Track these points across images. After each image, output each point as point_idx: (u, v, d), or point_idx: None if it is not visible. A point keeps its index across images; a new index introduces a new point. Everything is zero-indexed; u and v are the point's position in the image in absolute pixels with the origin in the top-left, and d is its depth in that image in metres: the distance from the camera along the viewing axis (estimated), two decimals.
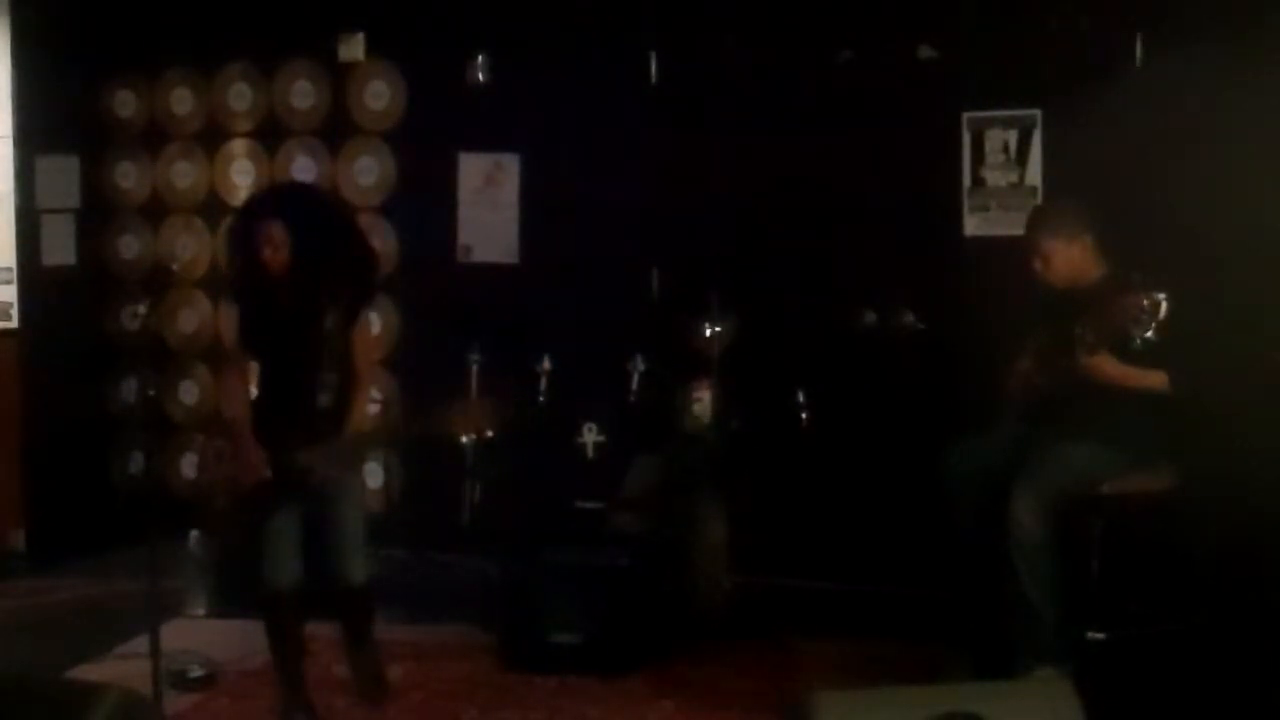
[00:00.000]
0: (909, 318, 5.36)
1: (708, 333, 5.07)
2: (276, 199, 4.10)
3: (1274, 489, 4.31)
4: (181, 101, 6.44)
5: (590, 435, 5.11)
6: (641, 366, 5.22)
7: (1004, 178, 5.29)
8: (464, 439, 4.11)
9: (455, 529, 5.47)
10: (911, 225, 5.31)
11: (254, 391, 4.15)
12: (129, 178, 6.53)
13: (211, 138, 6.41)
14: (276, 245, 3.90)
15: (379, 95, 6.15)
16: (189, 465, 6.46)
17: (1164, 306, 3.64)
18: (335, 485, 4.03)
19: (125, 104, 6.50)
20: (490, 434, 4.13)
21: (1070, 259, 4.19)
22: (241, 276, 4.06)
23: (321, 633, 4.27)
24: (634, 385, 5.20)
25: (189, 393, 6.48)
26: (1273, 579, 4.32)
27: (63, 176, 6.47)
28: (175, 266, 6.38)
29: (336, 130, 6.21)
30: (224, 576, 5.37)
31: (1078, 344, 3.94)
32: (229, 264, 4.22)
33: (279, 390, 4.04)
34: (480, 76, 5.94)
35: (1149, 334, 3.67)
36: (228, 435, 4.05)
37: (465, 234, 6.03)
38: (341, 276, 4.02)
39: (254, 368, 4.17)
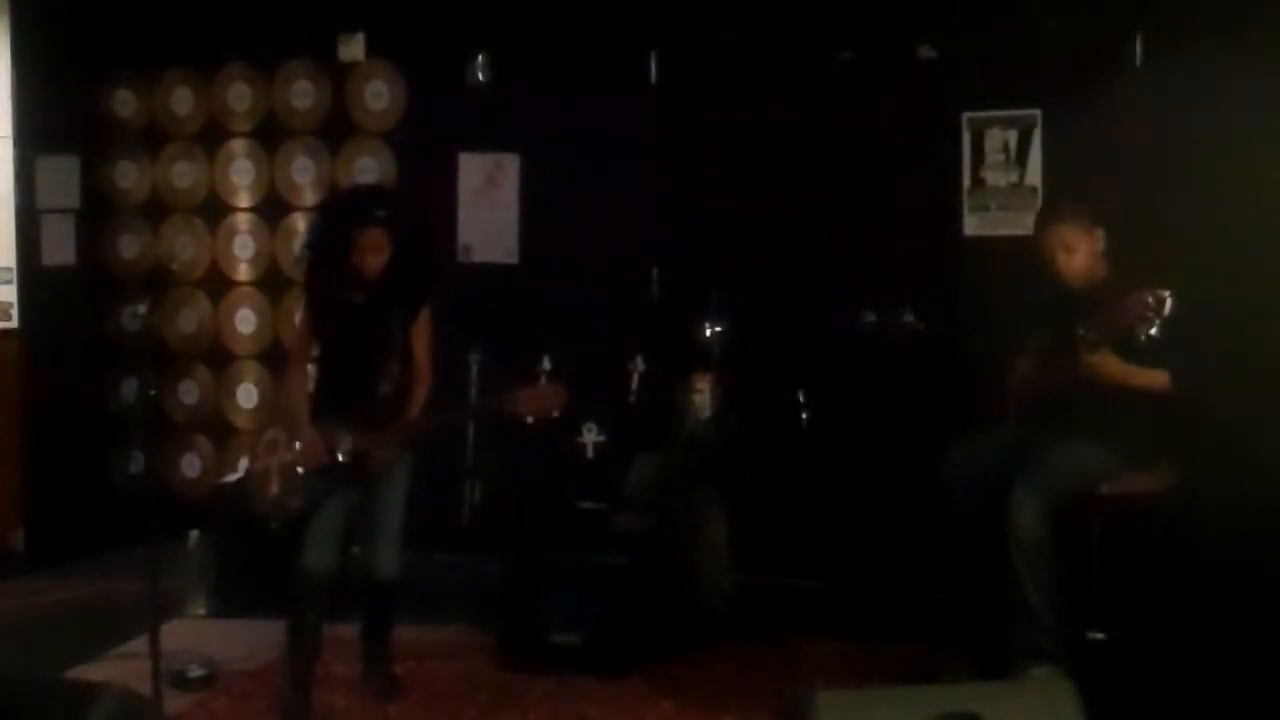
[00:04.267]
0: (909, 318, 5.36)
1: (708, 332, 5.07)
2: (378, 206, 4.11)
3: (1274, 489, 4.31)
4: (181, 101, 6.44)
5: (590, 435, 5.11)
6: (641, 366, 5.21)
7: (1004, 178, 5.29)
8: (530, 419, 4.10)
9: (455, 529, 5.47)
10: (911, 225, 5.31)
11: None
12: (129, 178, 6.54)
13: (211, 138, 6.42)
14: (379, 251, 4.01)
15: (379, 95, 6.16)
16: (189, 465, 6.48)
17: (1169, 304, 3.63)
18: (387, 477, 4.15)
19: (125, 104, 6.51)
20: (557, 414, 4.13)
21: (1091, 252, 4.17)
22: (323, 275, 4.12)
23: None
24: (634, 385, 5.20)
25: (189, 393, 6.49)
26: (1272, 579, 4.32)
27: (63, 176, 6.47)
28: (175, 266, 6.38)
29: (336, 130, 6.21)
30: (224, 576, 5.37)
31: (1080, 343, 3.93)
32: (307, 260, 4.23)
33: (344, 380, 4.13)
34: (480, 76, 5.94)
35: (1153, 332, 3.67)
36: (282, 425, 4.15)
37: (465, 234, 6.04)
38: (418, 278, 4.15)
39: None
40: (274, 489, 4.11)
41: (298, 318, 4.38)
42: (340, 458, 4.04)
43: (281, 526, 4.12)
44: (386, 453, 4.09)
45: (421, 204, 5.97)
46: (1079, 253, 4.15)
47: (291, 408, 4.15)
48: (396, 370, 4.14)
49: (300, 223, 6.19)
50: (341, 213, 4.20)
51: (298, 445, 4.07)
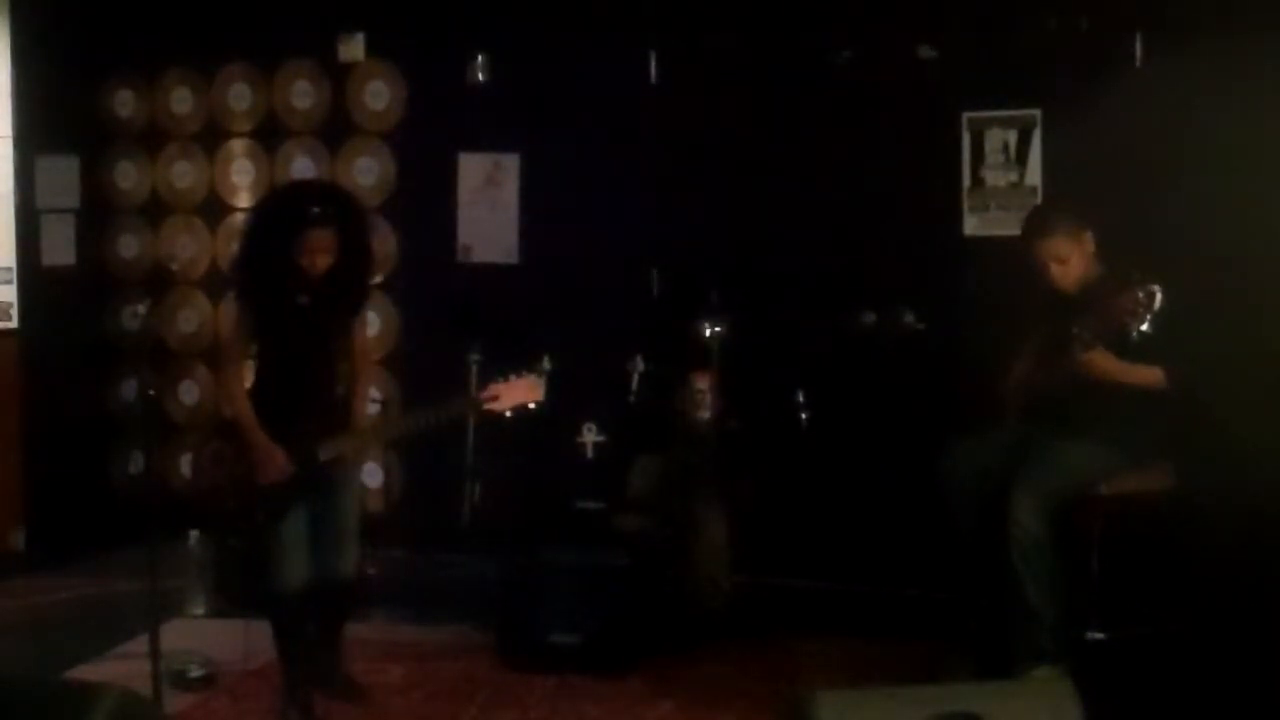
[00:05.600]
0: (909, 318, 5.37)
1: (708, 332, 5.07)
2: (324, 203, 3.98)
3: (1273, 489, 4.32)
4: (181, 101, 6.44)
5: (590, 435, 5.11)
6: (641, 366, 5.21)
7: (1003, 178, 5.30)
8: (508, 413, 4.08)
9: (455, 529, 5.48)
10: (911, 225, 5.31)
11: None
12: (129, 178, 6.54)
13: (211, 138, 6.41)
14: (327, 251, 3.91)
15: (379, 95, 6.15)
16: (189, 465, 6.47)
17: (1159, 298, 3.64)
18: (344, 477, 4.08)
19: (125, 104, 6.51)
20: (533, 408, 4.12)
21: (1083, 258, 4.17)
22: (266, 277, 3.98)
23: None
24: (634, 385, 5.20)
25: (189, 393, 6.49)
26: (1272, 579, 4.32)
27: (63, 176, 6.47)
28: (175, 266, 6.38)
29: (336, 130, 6.21)
30: (224, 576, 5.37)
31: (1075, 342, 3.94)
32: (246, 257, 4.07)
33: (294, 384, 4.01)
34: (480, 76, 5.94)
35: (1145, 327, 3.67)
36: (226, 436, 4.05)
37: (465, 234, 6.04)
38: (361, 275, 4.09)
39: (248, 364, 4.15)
40: (230, 504, 4.04)
41: (231, 322, 4.16)
42: (301, 467, 3.94)
43: (243, 541, 4.06)
44: (361, 457, 4.04)
45: (421, 204, 6.03)
46: (1072, 262, 4.16)
47: (243, 421, 3.96)
48: (346, 370, 4.07)
49: None
50: (286, 212, 4.02)
51: (259, 461, 3.93)
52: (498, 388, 4.10)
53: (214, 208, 6.43)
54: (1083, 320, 3.94)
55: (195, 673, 4.38)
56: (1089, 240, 4.18)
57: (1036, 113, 5.24)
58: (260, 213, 4.32)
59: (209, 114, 6.41)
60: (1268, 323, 4.58)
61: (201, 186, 6.45)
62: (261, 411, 3.97)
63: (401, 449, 5.91)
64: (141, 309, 5.75)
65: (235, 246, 4.73)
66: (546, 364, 5.09)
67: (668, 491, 4.98)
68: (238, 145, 6.39)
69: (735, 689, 4.33)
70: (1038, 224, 4.29)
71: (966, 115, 5.33)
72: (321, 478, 4.00)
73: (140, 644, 4.18)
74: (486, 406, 4.10)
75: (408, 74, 6.10)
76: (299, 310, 3.98)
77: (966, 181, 5.34)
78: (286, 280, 3.93)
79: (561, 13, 5.80)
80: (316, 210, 3.92)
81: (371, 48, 6.16)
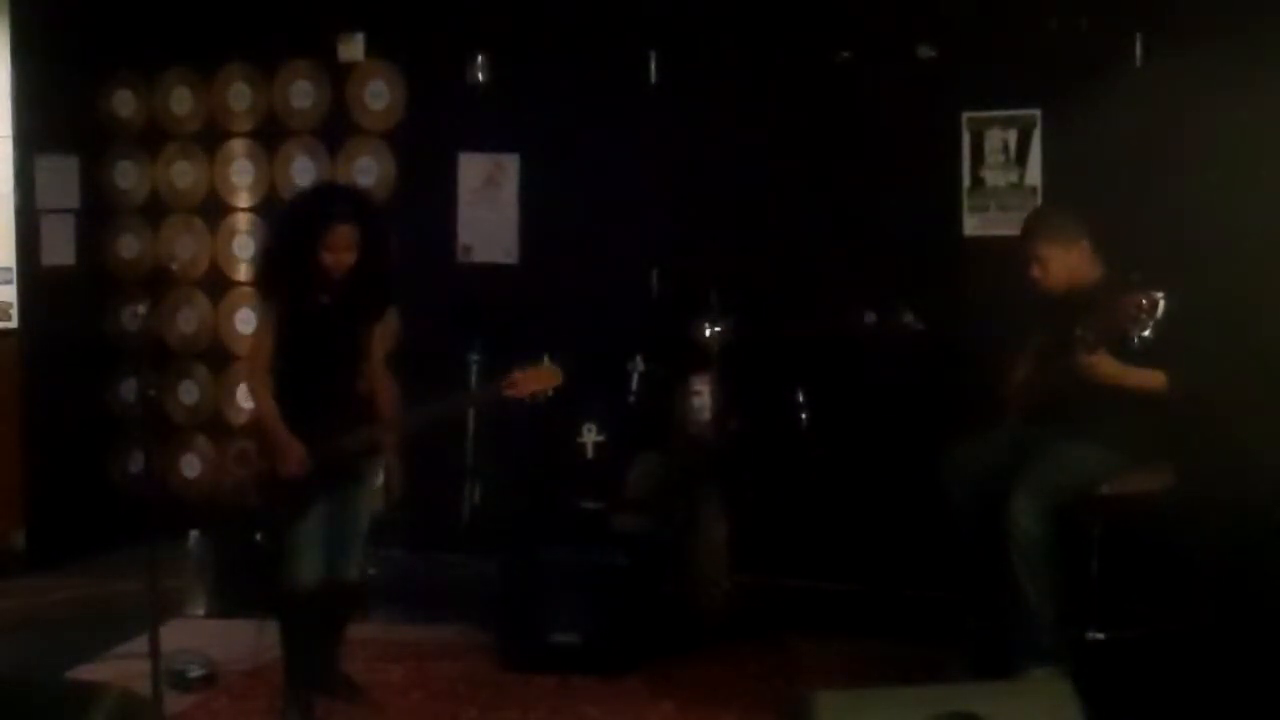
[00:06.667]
0: (909, 318, 5.36)
1: (707, 332, 5.07)
2: (345, 203, 4.05)
3: (1274, 489, 4.32)
4: (181, 101, 6.44)
5: (590, 435, 5.10)
6: (641, 366, 5.21)
7: (1003, 178, 5.29)
8: (527, 399, 4.11)
9: (455, 529, 5.47)
10: (911, 225, 5.31)
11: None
12: (129, 178, 6.54)
13: (211, 138, 6.41)
14: (349, 250, 3.95)
15: (379, 95, 6.15)
16: (189, 465, 6.47)
17: (1162, 305, 3.65)
18: (363, 475, 4.13)
19: (125, 104, 6.51)
20: (551, 394, 4.15)
21: (1067, 264, 4.20)
22: (290, 277, 4.02)
23: None
24: (634, 385, 5.20)
25: (189, 393, 6.48)
26: (1272, 579, 4.32)
27: (63, 176, 6.46)
28: (175, 266, 6.37)
29: (336, 130, 6.21)
30: (227, 576, 5.37)
31: (1077, 344, 3.95)
32: (269, 258, 4.14)
33: (316, 383, 4.04)
34: (480, 76, 5.94)
35: (1147, 333, 3.68)
36: (250, 436, 4.07)
37: (465, 234, 6.04)
38: (383, 276, 4.11)
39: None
40: (254, 502, 4.06)
41: (254, 323, 4.22)
42: (322, 461, 3.97)
43: (266, 538, 4.07)
44: (385, 449, 4.08)
45: (421, 204, 6.02)
46: (1053, 266, 4.21)
47: (265, 417, 4.02)
48: (365, 368, 4.12)
49: None
50: (308, 211, 4.09)
51: (280, 455, 3.97)
52: (516, 375, 4.12)
53: (214, 208, 6.43)
54: (1085, 322, 3.95)
55: (195, 673, 4.39)
56: (1083, 248, 4.20)
57: (1036, 113, 5.23)
58: (282, 214, 4.45)
59: (209, 114, 6.41)
60: (1268, 323, 4.58)
61: (201, 186, 6.45)
62: (284, 410, 4.01)
63: (401, 449, 5.91)
64: (141, 309, 5.74)
65: (257, 250, 4.77)
66: (546, 363, 5.09)
67: (668, 491, 4.98)
68: (238, 145, 6.38)
69: (735, 689, 4.33)
70: (1027, 221, 4.41)
71: (966, 115, 5.32)
72: (343, 474, 4.03)
73: (140, 644, 4.18)
74: (506, 392, 4.11)
75: (408, 74, 6.10)
76: (321, 310, 4.03)
77: (966, 181, 5.34)
78: (309, 280, 3.98)
79: (561, 13, 5.80)
80: (338, 208, 3.98)
81: (371, 48, 6.15)
